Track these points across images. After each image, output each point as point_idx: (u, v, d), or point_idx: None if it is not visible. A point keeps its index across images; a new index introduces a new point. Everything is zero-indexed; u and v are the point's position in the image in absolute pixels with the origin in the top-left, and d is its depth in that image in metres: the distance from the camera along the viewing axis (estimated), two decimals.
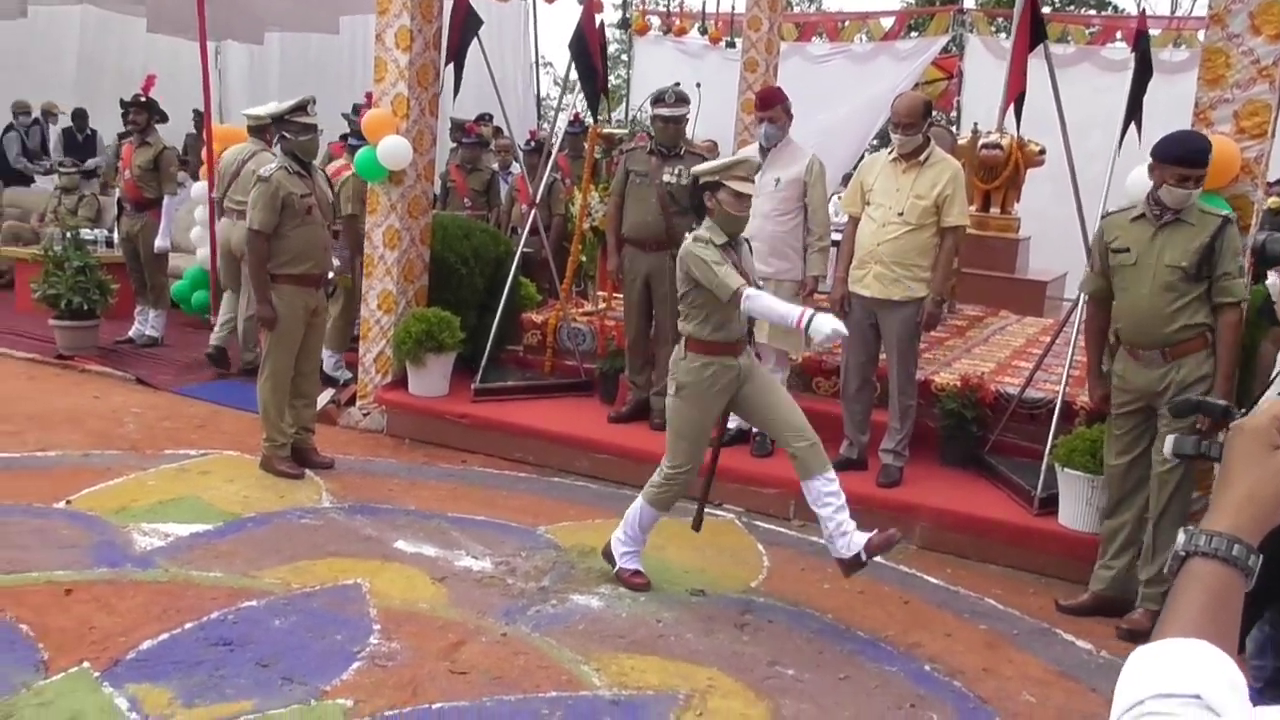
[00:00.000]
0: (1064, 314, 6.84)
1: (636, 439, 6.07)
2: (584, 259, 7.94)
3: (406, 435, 6.55)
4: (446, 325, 6.58)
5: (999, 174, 9.92)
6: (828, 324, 3.97)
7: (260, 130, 7.48)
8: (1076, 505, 5.01)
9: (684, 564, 4.81)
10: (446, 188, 9.55)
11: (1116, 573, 4.55)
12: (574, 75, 6.94)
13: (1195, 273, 4.22)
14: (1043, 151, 9.67)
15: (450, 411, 6.47)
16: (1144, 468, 4.45)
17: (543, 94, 16.15)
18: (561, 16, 7.13)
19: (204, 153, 8.55)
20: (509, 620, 4.11)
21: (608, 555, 4.58)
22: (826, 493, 4.25)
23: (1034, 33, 5.51)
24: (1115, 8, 21.03)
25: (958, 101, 13.79)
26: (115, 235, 8.86)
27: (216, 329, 7.71)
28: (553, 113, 9.43)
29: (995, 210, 10.17)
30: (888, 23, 14.09)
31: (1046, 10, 12.69)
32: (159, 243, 8.26)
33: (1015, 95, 5.49)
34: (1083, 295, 5.37)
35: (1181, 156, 4.19)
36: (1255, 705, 0.96)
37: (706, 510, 4.71)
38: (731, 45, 13.20)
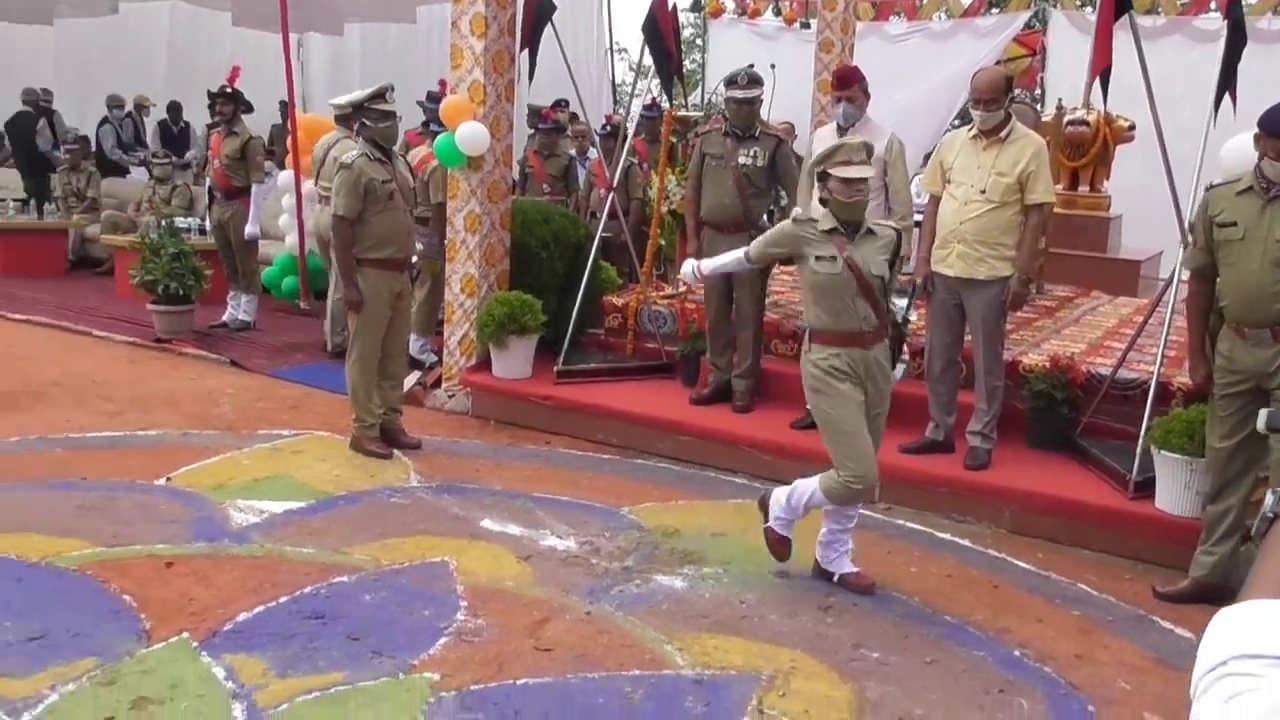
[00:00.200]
0: (1158, 292, 6.66)
1: (719, 421, 6.07)
2: (663, 242, 7.94)
3: (491, 417, 6.63)
4: (528, 308, 6.64)
5: (1086, 151, 9.68)
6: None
7: (346, 119, 7.61)
8: (1174, 489, 4.87)
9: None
10: (525, 174, 9.61)
11: (1219, 559, 4.40)
12: (648, 59, 6.94)
13: None
14: (1132, 127, 9.40)
15: (533, 393, 6.54)
16: (1251, 450, 4.29)
17: (618, 80, 16.15)
18: (636, 1, 7.13)
19: (289, 142, 8.73)
20: (593, 599, 4.15)
21: (763, 505, 4.51)
22: (848, 517, 4.36)
23: (1119, 4, 5.36)
24: None
25: (1041, 78, 13.47)
26: (207, 223, 9.10)
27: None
28: (628, 97, 9.42)
29: (1084, 188, 9.92)
30: None
31: None
32: (248, 230, 8.47)
33: (1100, 70, 5.34)
34: (1178, 273, 5.23)
35: None
36: None
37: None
38: (806, 26, 13.06)
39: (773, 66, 7.99)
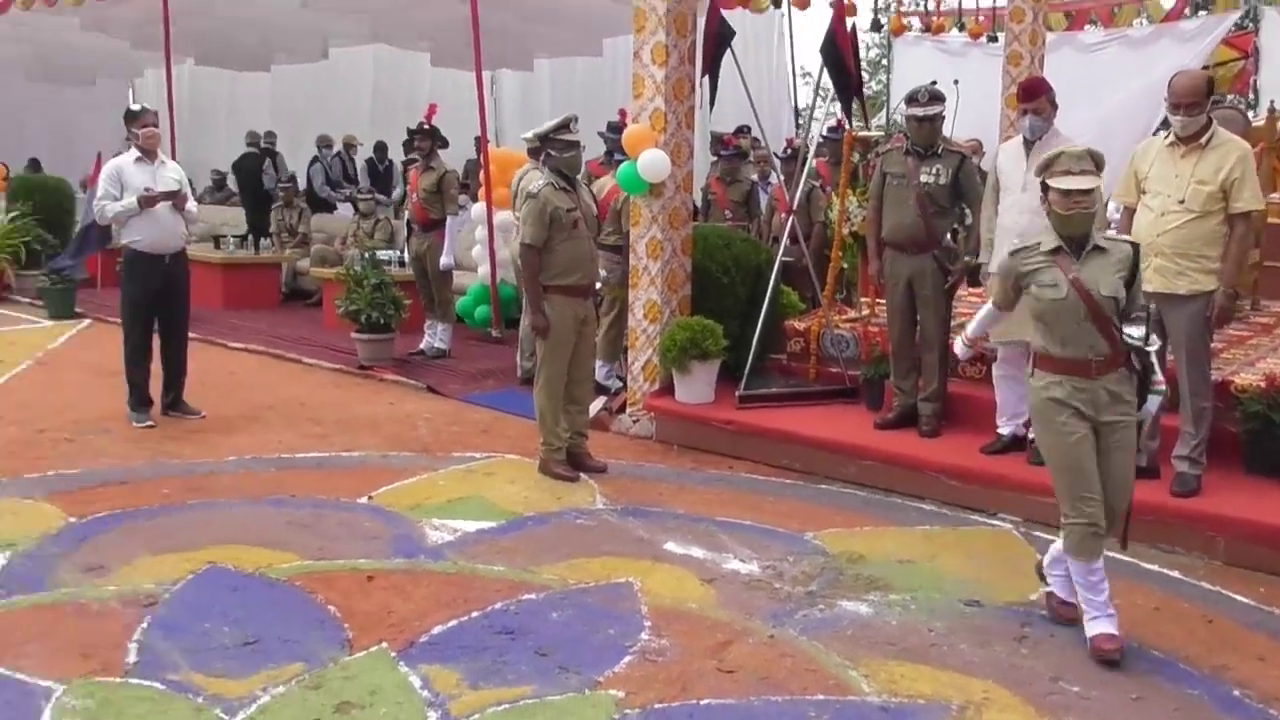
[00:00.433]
0: None
1: (905, 445, 5.95)
2: (845, 265, 7.85)
3: (674, 441, 6.70)
4: (710, 333, 6.68)
5: None
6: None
7: (535, 151, 7.87)
8: None
9: (957, 573, 4.66)
10: (707, 200, 9.70)
11: None
12: (828, 81, 6.91)
13: None
14: None
15: (716, 418, 6.56)
16: None
17: (802, 104, 16.08)
18: (819, 24, 7.09)
19: (481, 175, 9.09)
20: (776, 623, 4.13)
21: (1039, 571, 4.30)
22: (1097, 568, 3.93)
23: None
24: None
25: (1254, 81, 12.68)
26: (406, 255, 9.56)
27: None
28: (808, 120, 9.40)
29: None
30: (1169, 3, 13.15)
31: None
32: (443, 260, 8.85)
33: None
34: None
35: None
36: None
37: (982, 520, 4.53)
38: (994, 40, 12.72)
39: (956, 82, 7.81)
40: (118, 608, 4.13)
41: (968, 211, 6.25)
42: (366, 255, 9.33)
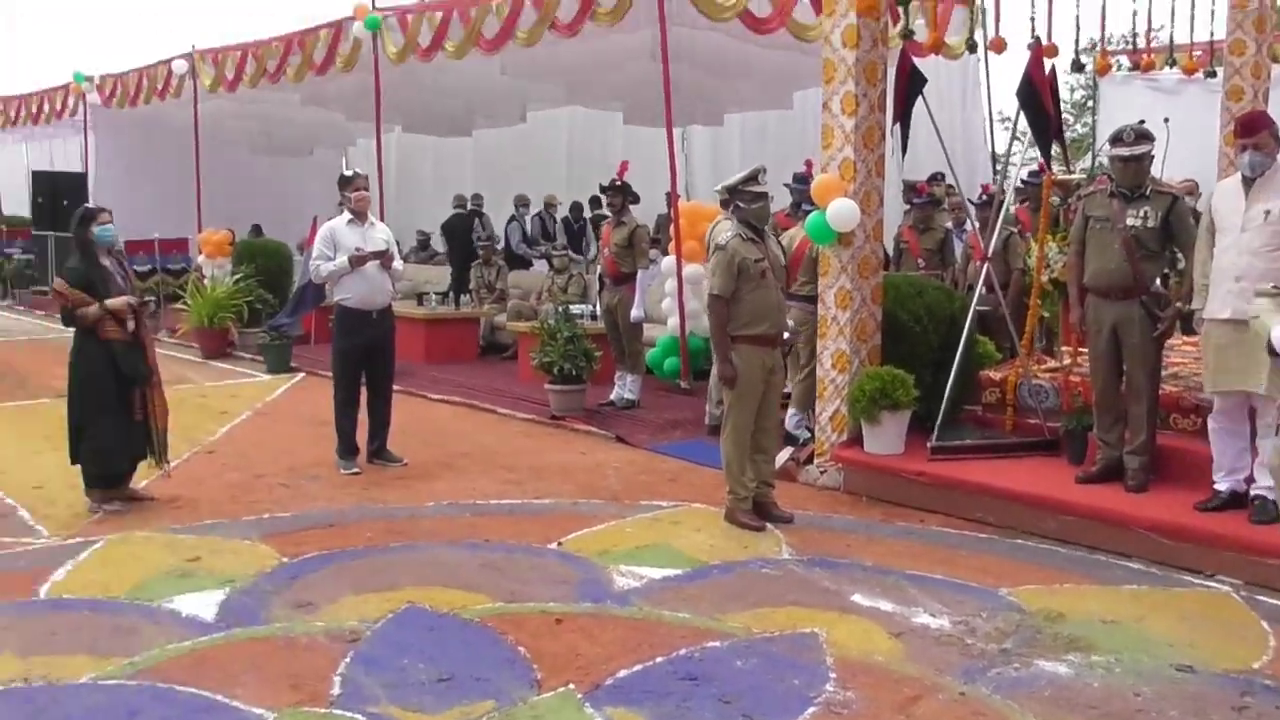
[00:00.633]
0: None
1: (1110, 500, 5.66)
2: (1045, 313, 7.57)
3: (863, 492, 6.58)
4: (900, 383, 6.56)
5: None
6: None
7: (726, 202, 7.96)
8: None
9: (1168, 636, 4.38)
10: (899, 249, 9.55)
11: None
12: (1024, 124, 6.73)
13: None
14: None
15: (906, 469, 6.42)
16: None
17: (999, 149, 15.68)
18: (1016, 67, 6.92)
19: (671, 229, 9.25)
20: (967, 679, 3.98)
21: None
22: None
23: None
24: None
25: None
26: (597, 308, 9.79)
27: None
28: (1003, 164, 9.16)
29: None
30: None
31: None
32: (634, 313, 9.03)
33: None
34: None
35: None
36: None
37: (1196, 581, 4.23)
38: (1212, 75, 12.06)
39: (1166, 121, 7.48)
40: (324, 642, 4.36)
41: (1179, 256, 5.94)
42: (560, 309, 9.61)
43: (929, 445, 6.52)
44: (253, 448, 7.96)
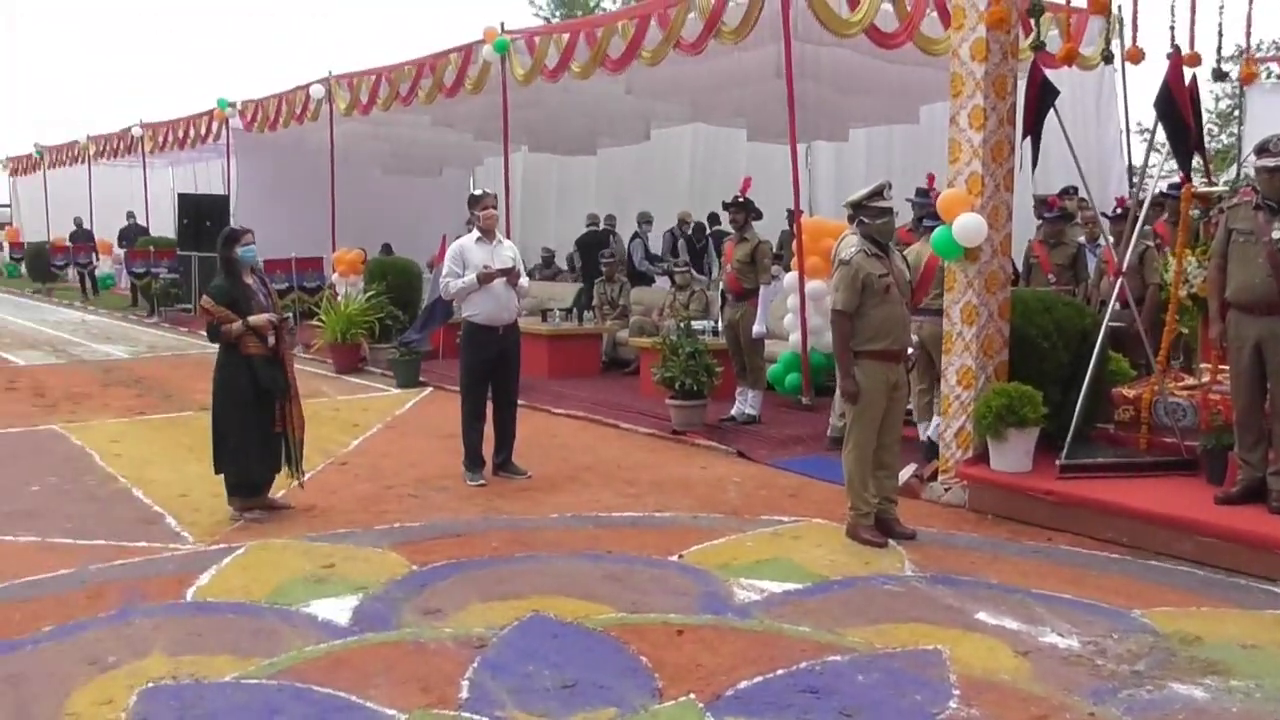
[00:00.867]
0: None
1: (1252, 522, 5.45)
2: (1184, 330, 7.32)
3: (988, 510, 6.46)
4: (1028, 400, 6.42)
5: None
6: None
7: (852, 217, 7.91)
8: None
9: None
10: (1029, 264, 9.35)
11: None
12: (1162, 136, 6.54)
13: None
14: None
15: (1034, 488, 6.28)
16: None
17: (1136, 161, 15.21)
18: (1155, 77, 6.73)
19: (794, 245, 9.24)
20: (1097, 701, 3.88)
21: None
22: None
23: None
24: None
25: None
26: (719, 324, 9.84)
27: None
28: (1140, 177, 8.87)
29: None
30: None
31: None
32: (755, 329, 9.04)
33: None
34: None
35: None
36: None
37: None
38: None
39: None
40: (452, 648, 4.49)
41: None
42: (682, 325, 9.69)
43: (1058, 463, 6.37)
44: (383, 459, 8.21)
